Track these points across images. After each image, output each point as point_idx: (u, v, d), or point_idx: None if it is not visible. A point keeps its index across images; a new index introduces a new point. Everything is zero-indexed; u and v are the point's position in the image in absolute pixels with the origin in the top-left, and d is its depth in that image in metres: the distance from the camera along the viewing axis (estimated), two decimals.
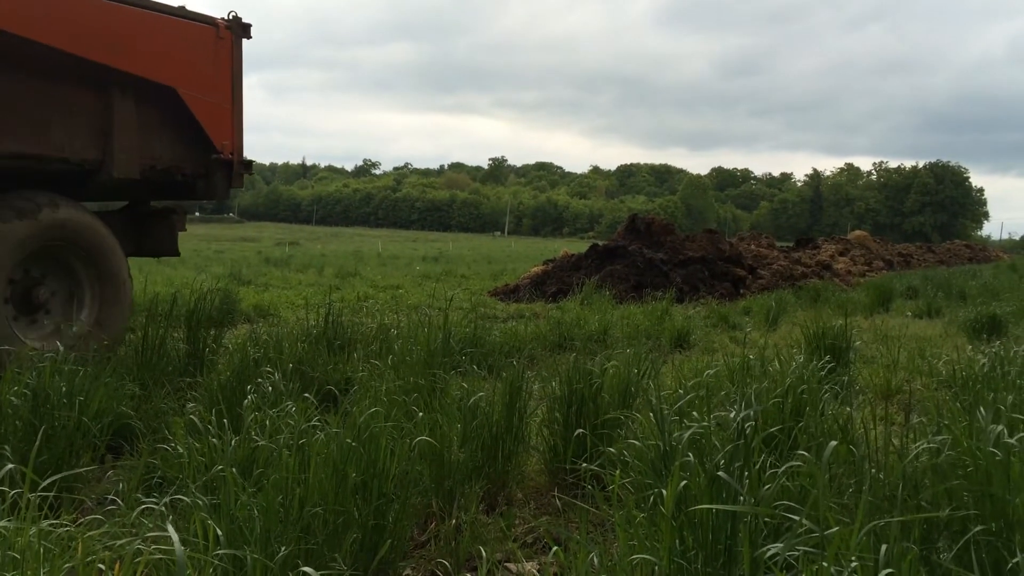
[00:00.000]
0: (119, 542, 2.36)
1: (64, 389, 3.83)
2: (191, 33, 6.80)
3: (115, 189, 6.90)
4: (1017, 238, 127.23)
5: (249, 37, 7.31)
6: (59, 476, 2.85)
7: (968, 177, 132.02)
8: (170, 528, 2.05)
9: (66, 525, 2.47)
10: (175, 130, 6.82)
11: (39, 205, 5.84)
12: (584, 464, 3.49)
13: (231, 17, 7.14)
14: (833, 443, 2.54)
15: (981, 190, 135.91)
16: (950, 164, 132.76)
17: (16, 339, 5.68)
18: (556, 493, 3.69)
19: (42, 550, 2.25)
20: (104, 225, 6.42)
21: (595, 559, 2.54)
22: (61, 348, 4.44)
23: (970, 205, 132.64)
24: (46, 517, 2.52)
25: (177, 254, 7.57)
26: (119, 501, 3.10)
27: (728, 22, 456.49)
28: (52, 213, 5.90)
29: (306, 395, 4.01)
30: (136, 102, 6.45)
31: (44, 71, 5.91)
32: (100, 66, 6.11)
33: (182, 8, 6.83)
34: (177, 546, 1.98)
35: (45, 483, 2.63)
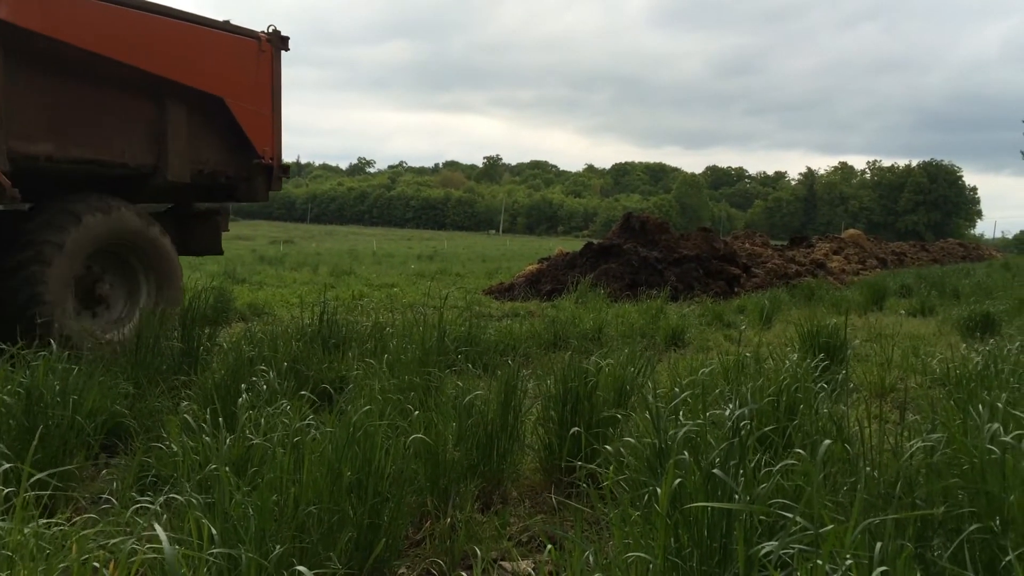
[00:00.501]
0: (113, 541, 2.35)
1: (58, 388, 3.82)
2: (236, 46, 7.28)
3: (165, 192, 7.28)
4: (1010, 237, 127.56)
5: (287, 49, 7.79)
6: (55, 470, 2.84)
7: (961, 176, 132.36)
8: (158, 527, 2.04)
9: (60, 524, 2.47)
10: (221, 136, 7.27)
11: (109, 207, 6.31)
12: (579, 463, 3.49)
13: (271, 31, 7.61)
14: (827, 441, 2.54)
15: (974, 189, 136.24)
16: (943, 163, 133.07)
17: (88, 333, 6.05)
18: (551, 492, 3.69)
19: (36, 549, 2.24)
20: (160, 227, 6.84)
21: (590, 557, 2.54)
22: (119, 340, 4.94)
23: (963, 204, 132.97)
24: (41, 516, 2.51)
25: (221, 252, 8.07)
26: (113, 500, 3.09)
27: (724, 21, 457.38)
28: (116, 215, 6.35)
29: (302, 393, 4.01)
30: (187, 111, 6.90)
31: (109, 83, 6.34)
32: (157, 77, 6.55)
33: (227, 22, 7.29)
34: (166, 545, 1.98)
35: (35, 477, 2.62)
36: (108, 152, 6.42)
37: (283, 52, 7.77)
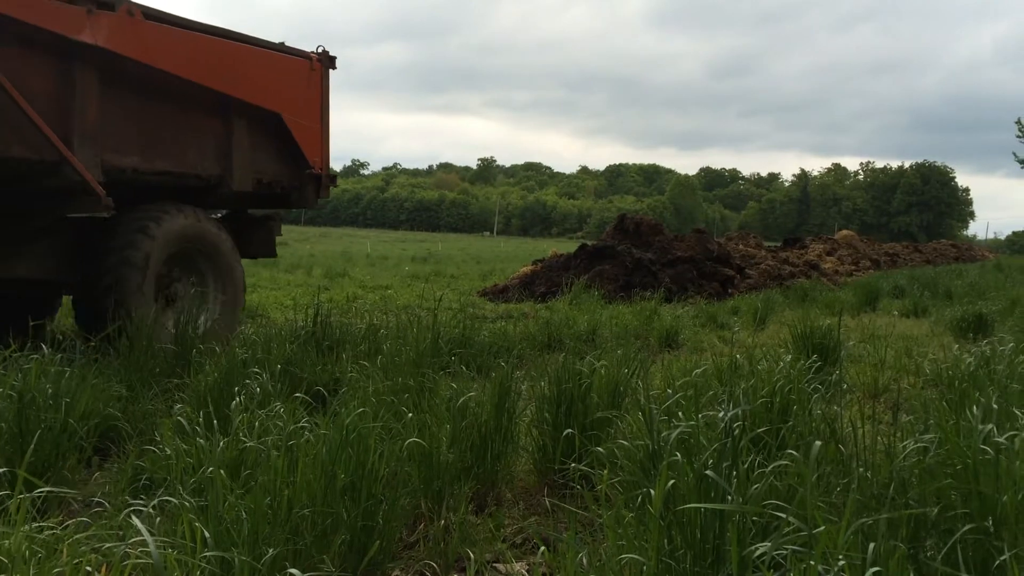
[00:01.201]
0: (106, 545, 2.34)
1: (50, 391, 3.80)
2: (291, 66, 7.99)
3: (229, 200, 7.91)
4: (1003, 238, 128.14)
5: (334, 68, 8.50)
6: (48, 475, 2.83)
7: (954, 177, 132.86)
8: (144, 532, 2.03)
9: (53, 528, 2.46)
10: (277, 149, 7.96)
11: (185, 214, 6.95)
12: (573, 464, 3.49)
13: (320, 51, 8.30)
14: (818, 443, 2.54)
15: (967, 190, 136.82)
16: (936, 164, 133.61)
17: (163, 327, 6.51)
18: (545, 493, 3.69)
19: (29, 553, 2.23)
20: (226, 232, 7.47)
21: (584, 559, 2.54)
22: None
23: (956, 205, 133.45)
24: (33, 520, 2.50)
25: (275, 255, 8.78)
26: (106, 503, 3.08)
27: (720, 23, 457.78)
28: (191, 221, 7.01)
29: (296, 395, 4.00)
30: (249, 126, 7.57)
31: (185, 102, 7.00)
32: (225, 96, 7.24)
33: (282, 44, 8.01)
34: (152, 549, 1.97)
35: (37, 486, 2.61)
36: (184, 164, 7.08)
37: (331, 70, 8.47)
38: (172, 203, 6.99)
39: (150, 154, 6.78)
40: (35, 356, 4.22)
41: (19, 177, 6.13)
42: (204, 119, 7.24)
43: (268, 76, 7.70)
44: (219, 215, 8.16)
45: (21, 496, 2.42)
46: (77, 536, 2.39)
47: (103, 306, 6.26)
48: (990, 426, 2.71)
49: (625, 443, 3.19)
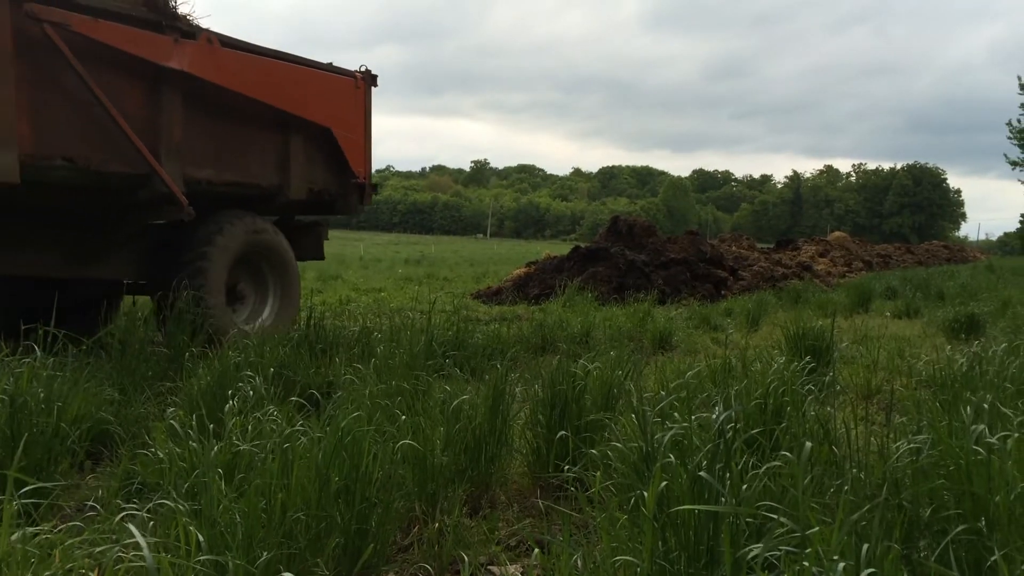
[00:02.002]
0: (99, 549, 2.33)
1: (42, 395, 3.79)
2: (339, 84, 8.69)
3: (285, 207, 8.59)
4: (994, 239, 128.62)
5: (376, 85, 9.15)
6: (43, 481, 2.82)
7: (945, 178, 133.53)
8: (137, 534, 2.03)
9: (46, 532, 2.45)
10: (327, 160, 8.65)
11: (251, 220, 7.73)
12: (567, 467, 3.49)
13: (363, 70, 9.01)
14: (808, 444, 2.55)
15: (958, 191, 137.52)
16: (928, 165, 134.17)
17: (233, 323, 7.30)
18: (539, 496, 3.69)
19: (21, 558, 2.22)
20: (284, 237, 8.18)
21: (578, 561, 2.54)
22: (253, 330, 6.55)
23: (948, 206, 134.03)
24: (26, 525, 2.49)
25: (323, 258, 9.56)
26: (99, 508, 3.07)
27: (714, 25, 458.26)
28: (256, 227, 7.78)
29: (290, 399, 3.99)
30: (304, 140, 8.29)
31: (250, 119, 7.70)
32: (284, 113, 7.94)
33: (330, 64, 8.70)
34: (147, 553, 1.97)
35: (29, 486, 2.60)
36: (248, 175, 7.78)
37: (373, 88, 9.18)
38: (240, 211, 7.73)
39: (221, 167, 7.49)
40: (27, 360, 4.21)
41: (116, 189, 6.81)
42: (266, 134, 7.96)
43: (320, 94, 8.43)
44: (272, 221, 8.73)
45: (15, 500, 2.41)
46: (70, 540, 2.38)
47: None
48: (982, 427, 2.73)
49: (619, 445, 3.20)
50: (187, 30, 6.95)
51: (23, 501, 2.72)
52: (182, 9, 6.94)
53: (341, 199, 8.98)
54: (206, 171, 7.34)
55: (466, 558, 2.88)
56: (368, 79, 9.04)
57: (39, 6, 5.87)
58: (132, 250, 7.41)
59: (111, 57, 6.39)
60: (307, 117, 8.20)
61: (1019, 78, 44.66)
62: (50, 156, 6.10)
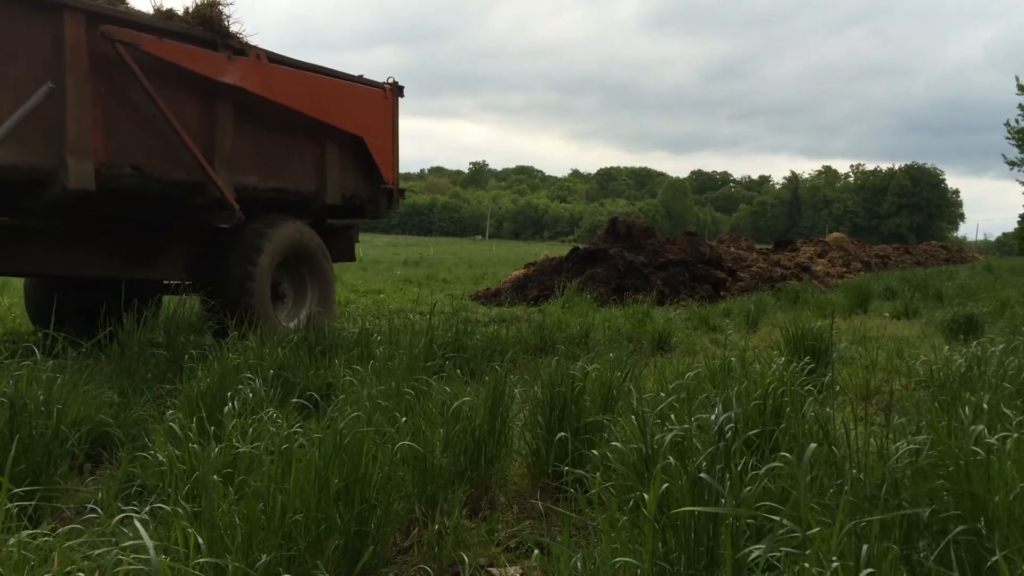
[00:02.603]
0: (98, 551, 2.33)
1: (42, 397, 3.78)
2: (370, 95, 9.21)
3: (321, 212, 9.07)
4: (992, 239, 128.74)
5: (403, 96, 9.69)
6: (39, 485, 2.82)
7: (943, 179, 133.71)
8: (144, 536, 2.03)
9: (45, 535, 2.45)
10: (358, 167, 9.12)
11: (293, 224, 8.18)
12: (567, 468, 3.49)
13: (391, 82, 9.53)
14: (812, 445, 2.55)
15: (956, 192, 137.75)
16: (926, 166, 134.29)
17: (277, 321, 7.81)
18: (539, 497, 3.69)
19: (21, 561, 2.22)
20: (321, 240, 8.63)
21: (578, 563, 2.54)
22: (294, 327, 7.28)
23: (946, 207, 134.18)
24: (25, 528, 2.49)
25: (354, 260, 10.19)
26: (98, 510, 3.07)
27: (713, 27, 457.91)
28: (298, 230, 8.23)
29: (290, 401, 3.99)
30: (339, 148, 8.76)
31: (291, 129, 8.20)
32: (321, 123, 8.42)
33: (361, 76, 9.20)
34: (152, 556, 1.97)
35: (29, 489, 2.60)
36: (289, 182, 8.28)
37: (399, 98, 9.69)
38: (282, 215, 8.21)
39: (265, 174, 7.99)
40: (26, 363, 4.20)
41: (175, 195, 7.31)
42: (305, 143, 8.43)
43: (353, 105, 8.95)
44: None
45: (12, 504, 2.41)
46: (69, 543, 2.38)
47: (234, 302, 7.37)
48: (981, 427, 2.73)
49: (619, 445, 3.20)
50: (238, 47, 7.50)
51: (21, 503, 2.72)
52: (234, 28, 7.52)
53: (371, 203, 9.45)
54: (252, 178, 7.82)
55: (466, 559, 2.88)
56: (395, 90, 9.60)
57: (113, 27, 6.35)
58: (183, 252, 7.87)
59: (173, 73, 6.92)
60: (342, 127, 8.69)
61: (1017, 79, 44.75)
62: (120, 165, 6.61)
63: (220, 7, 7.39)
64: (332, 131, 8.61)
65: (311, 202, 8.65)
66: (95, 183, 6.24)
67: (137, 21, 6.69)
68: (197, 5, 7.38)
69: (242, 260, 7.58)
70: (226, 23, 7.41)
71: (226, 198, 7.29)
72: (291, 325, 7.90)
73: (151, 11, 7.13)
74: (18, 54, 5.96)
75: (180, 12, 7.28)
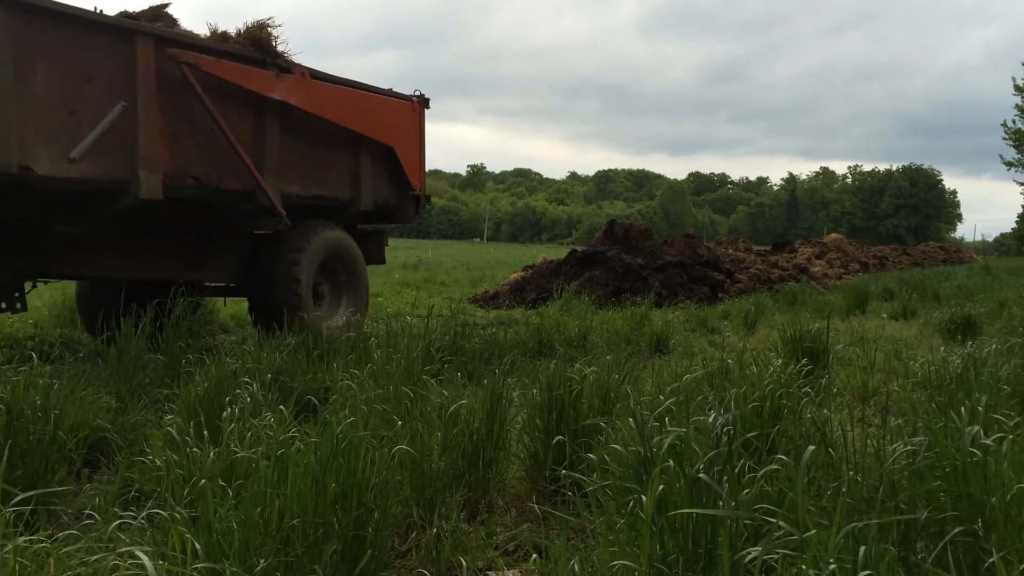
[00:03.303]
0: (95, 557, 2.33)
1: (39, 403, 3.78)
2: (399, 107, 9.76)
3: (355, 218, 9.57)
4: (990, 240, 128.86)
5: (428, 108, 10.21)
6: (37, 491, 2.82)
7: (941, 180, 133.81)
8: (139, 553, 2.03)
9: (42, 541, 2.44)
10: (389, 175, 9.64)
11: (332, 229, 8.75)
12: (565, 471, 3.49)
13: (418, 94, 10.08)
14: (811, 447, 2.55)
15: (954, 192, 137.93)
16: (923, 167, 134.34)
17: (318, 319, 8.25)
18: (537, 500, 3.69)
19: (17, 567, 2.22)
20: (356, 243, 9.16)
21: (576, 566, 2.54)
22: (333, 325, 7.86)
23: (943, 207, 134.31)
24: (22, 533, 2.48)
25: (384, 262, 10.73)
26: (96, 516, 3.07)
27: (712, 29, 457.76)
28: (336, 235, 8.80)
29: (286, 404, 3.99)
30: (372, 157, 9.29)
31: (329, 140, 8.73)
32: (357, 134, 8.95)
33: (391, 90, 9.75)
34: (148, 564, 1.96)
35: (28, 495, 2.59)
36: (327, 189, 8.80)
37: (426, 110, 10.21)
38: (322, 221, 8.71)
39: (306, 182, 8.52)
40: (23, 368, 4.20)
41: (228, 203, 7.83)
42: (342, 153, 8.96)
43: (384, 117, 9.47)
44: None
45: (8, 510, 2.41)
46: (66, 549, 2.38)
47: (279, 302, 7.91)
48: (977, 428, 2.73)
49: (617, 449, 3.19)
50: (285, 65, 8.07)
51: (18, 509, 2.72)
52: (280, 47, 8.11)
53: (400, 209, 9.98)
54: (296, 186, 8.37)
55: (464, 563, 2.88)
56: (422, 102, 10.14)
57: (178, 50, 6.93)
58: (231, 256, 8.45)
59: (228, 90, 7.47)
60: (375, 137, 9.22)
61: (1013, 79, 44.80)
62: (183, 176, 7.14)
63: (269, 29, 8.03)
64: (366, 141, 9.13)
65: (346, 208, 9.13)
66: (162, 193, 6.79)
67: (198, 44, 7.31)
68: (248, 27, 7.98)
69: (288, 263, 8.13)
70: (274, 43, 8.03)
71: (274, 205, 7.82)
72: (329, 323, 8.38)
73: (208, 33, 7.83)
74: (95, 76, 6.44)
75: (233, 33, 7.92)
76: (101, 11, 6.70)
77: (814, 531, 2.18)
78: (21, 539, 2.31)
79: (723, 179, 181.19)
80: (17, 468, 3.35)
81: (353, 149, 9.07)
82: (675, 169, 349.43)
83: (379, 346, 5.96)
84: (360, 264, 9.23)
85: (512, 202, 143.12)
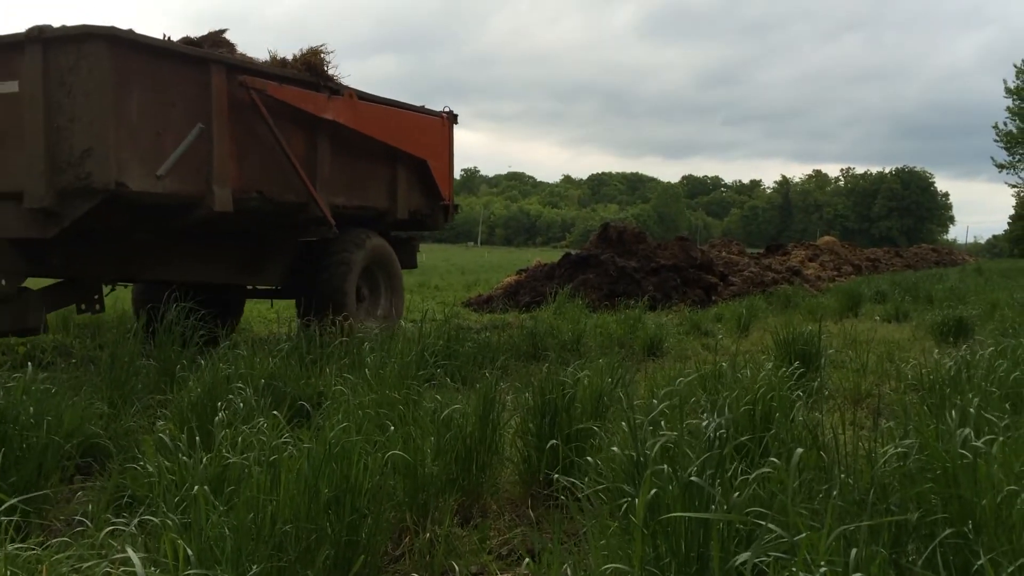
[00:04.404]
0: (87, 564, 2.32)
1: (33, 409, 3.77)
2: (431, 123, 10.60)
3: (391, 226, 10.32)
4: (982, 241, 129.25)
5: (456, 123, 11.05)
6: (31, 495, 2.81)
7: (933, 182, 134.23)
8: (130, 552, 2.03)
9: (33, 548, 2.44)
10: (422, 186, 10.41)
11: (373, 236, 9.52)
12: (558, 475, 3.50)
13: (447, 111, 10.90)
14: (800, 450, 2.56)
15: (946, 195, 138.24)
16: (915, 169, 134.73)
17: (361, 319, 8.88)
18: (530, 504, 3.69)
19: (9, 574, 2.21)
20: (393, 250, 9.98)
21: (569, 569, 2.55)
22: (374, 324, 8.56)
23: (935, 209, 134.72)
24: (14, 540, 2.48)
25: (416, 267, 11.76)
26: (88, 522, 3.06)
27: (708, 33, 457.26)
28: (377, 241, 9.59)
29: (279, 410, 3.98)
30: (407, 169, 10.03)
31: (370, 154, 9.46)
32: (394, 148, 9.71)
33: (423, 107, 10.53)
34: (137, 564, 1.96)
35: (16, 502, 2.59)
36: (368, 200, 9.53)
37: (454, 125, 11.04)
38: (364, 229, 9.44)
39: (350, 194, 9.21)
40: (17, 375, 4.19)
41: (285, 213, 8.50)
42: (381, 166, 9.69)
43: (418, 132, 10.22)
44: None
45: (2, 518, 2.40)
46: (57, 556, 2.37)
47: (330, 303, 8.50)
48: (968, 431, 2.74)
49: (616, 450, 3.20)
50: (335, 88, 8.80)
51: (11, 517, 2.71)
52: (330, 71, 8.88)
53: (431, 218, 10.73)
54: (340, 198, 9.00)
55: (457, 568, 2.88)
56: (451, 118, 10.94)
57: (248, 77, 7.66)
58: (282, 261, 9.15)
59: (287, 112, 8.16)
60: (410, 151, 9.94)
61: (1004, 81, 45.03)
62: (249, 190, 7.85)
63: (322, 55, 8.81)
64: (402, 156, 9.86)
65: (384, 217, 9.87)
66: (232, 206, 7.50)
67: (263, 71, 8.09)
68: (303, 53, 8.78)
69: (337, 266, 8.90)
70: (326, 68, 8.83)
71: (325, 215, 8.48)
72: (369, 323, 8.93)
73: (268, 59, 8.64)
74: (177, 102, 7.15)
75: (289, 59, 8.73)
76: (175, 39, 7.65)
77: (805, 534, 2.19)
78: (12, 546, 2.31)
79: (716, 182, 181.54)
80: (10, 474, 3.34)
81: (391, 162, 9.78)
82: (670, 172, 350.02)
83: (373, 350, 5.95)
84: (397, 268, 10.05)
85: (506, 206, 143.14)
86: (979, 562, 2.27)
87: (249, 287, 9.79)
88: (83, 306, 8.02)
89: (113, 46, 6.57)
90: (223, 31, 8.34)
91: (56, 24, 6.68)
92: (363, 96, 9.27)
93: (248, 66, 7.95)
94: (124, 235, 7.82)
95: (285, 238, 9.11)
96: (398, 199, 9.92)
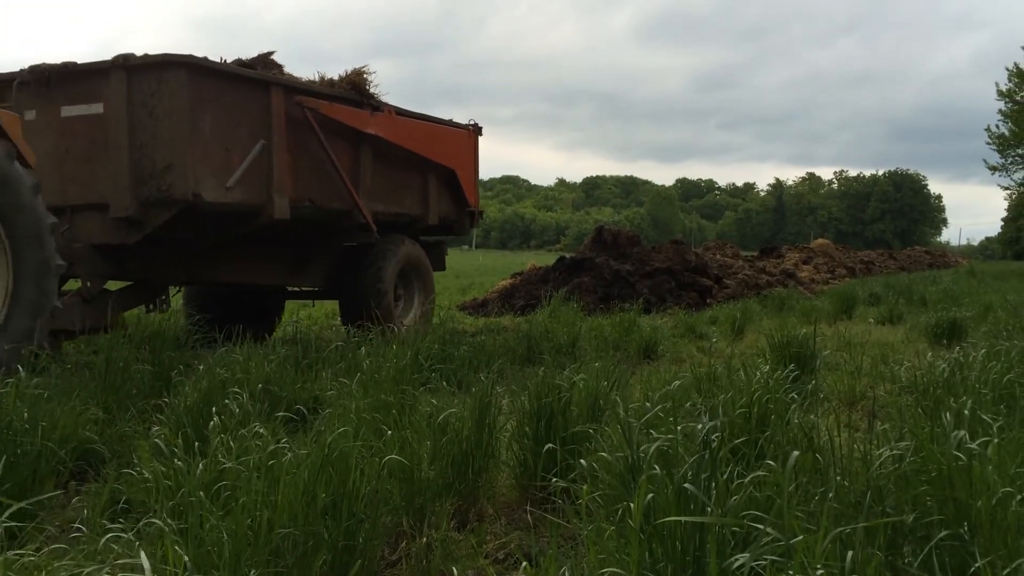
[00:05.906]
0: (84, 571, 2.32)
1: (27, 415, 3.76)
2: (459, 135, 11.42)
3: (422, 231, 11.04)
4: (975, 244, 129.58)
5: (481, 135, 11.80)
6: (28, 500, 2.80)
7: (926, 184, 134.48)
8: (143, 557, 2.03)
9: (30, 555, 2.43)
10: (450, 194, 11.20)
11: (408, 241, 10.33)
12: (554, 478, 3.50)
13: (472, 123, 11.69)
14: (796, 453, 2.57)
15: (939, 197, 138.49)
16: (908, 172, 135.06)
17: (397, 317, 9.74)
18: (527, 508, 3.69)
19: None
20: (425, 253, 10.79)
21: (566, 573, 2.55)
22: (405, 325, 9.15)
23: (929, 212, 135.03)
24: (10, 547, 2.47)
25: (444, 269, 12.26)
26: (83, 528, 3.06)
27: (705, 37, 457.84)
28: (411, 245, 10.39)
29: (276, 415, 3.98)
30: (437, 178, 10.84)
31: (405, 164, 10.28)
32: (426, 159, 10.51)
33: (451, 120, 11.38)
34: (146, 565, 1.96)
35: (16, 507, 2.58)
36: (403, 207, 10.32)
37: (479, 136, 11.79)
38: (399, 234, 10.22)
39: (388, 202, 9.98)
40: (11, 380, 4.18)
41: (332, 220, 9.34)
42: (415, 176, 10.51)
43: (447, 144, 11.00)
44: None
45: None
46: (54, 563, 2.37)
47: (369, 302, 9.20)
48: (962, 433, 2.76)
49: (605, 456, 3.20)
50: (376, 104, 9.62)
51: (5, 524, 2.70)
52: (372, 90, 9.65)
53: (458, 223, 11.48)
54: (379, 205, 9.76)
55: (454, 572, 2.88)
56: (476, 130, 11.69)
57: (303, 96, 8.51)
58: (325, 264, 9.97)
59: (335, 128, 8.98)
60: (440, 162, 10.70)
61: (996, 84, 45.19)
62: (303, 200, 8.65)
63: (365, 75, 9.59)
64: (433, 166, 10.63)
65: (417, 222, 10.64)
66: (289, 214, 8.27)
67: (316, 91, 8.90)
68: (348, 73, 9.58)
69: (377, 269, 9.65)
70: (368, 87, 9.60)
71: (367, 222, 9.30)
72: (404, 321, 9.82)
73: (317, 79, 9.41)
74: (241, 121, 7.97)
75: (335, 78, 9.51)
76: (236, 62, 8.37)
77: (801, 536, 2.19)
78: (9, 553, 2.31)
79: (711, 185, 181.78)
80: (5, 480, 3.33)
81: (423, 172, 10.57)
82: (664, 176, 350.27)
83: (368, 355, 5.95)
84: (429, 270, 10.89)
85: (501, 209, 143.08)
86: (975, 564, 2.28)
87: (293, 288, 10.48)
88: (151, 306, 8.66)
89: (191, 72, 7.36)
90: (271, 53, 8.98)
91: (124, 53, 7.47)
92: (400, 112, 10.10)
93: (303, 87, 8.73)
94: (189, 241, 8.50)
95: (329, 243, 9.89)
96: (430, 206, 10.66)
